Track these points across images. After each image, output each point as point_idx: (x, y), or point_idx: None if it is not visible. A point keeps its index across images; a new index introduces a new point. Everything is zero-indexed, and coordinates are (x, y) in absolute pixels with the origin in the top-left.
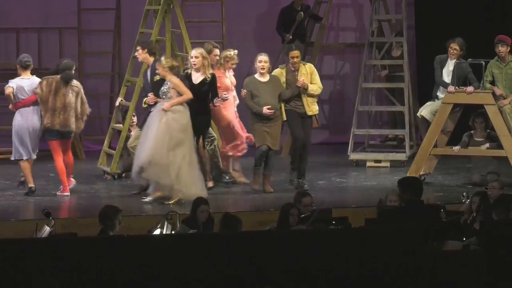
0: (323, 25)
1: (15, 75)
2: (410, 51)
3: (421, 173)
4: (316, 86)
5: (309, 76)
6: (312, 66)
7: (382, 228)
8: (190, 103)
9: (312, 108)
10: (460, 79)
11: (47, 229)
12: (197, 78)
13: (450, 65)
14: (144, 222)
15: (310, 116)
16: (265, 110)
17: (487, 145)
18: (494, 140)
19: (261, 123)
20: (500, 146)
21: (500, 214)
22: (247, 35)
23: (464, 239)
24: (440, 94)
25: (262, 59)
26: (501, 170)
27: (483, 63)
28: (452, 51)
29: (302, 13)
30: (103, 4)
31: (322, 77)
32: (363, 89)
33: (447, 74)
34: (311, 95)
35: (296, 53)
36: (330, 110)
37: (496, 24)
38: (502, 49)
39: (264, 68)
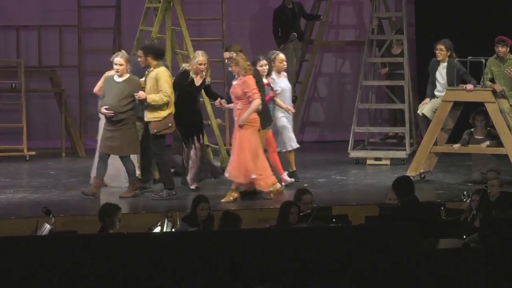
0: (323, 22)
1: (15, 72)
2: (410, 48)
3: (421, 171)
4: (159, 96)
5: (155, 81)
6: (162, 71)
7: (382, 226)
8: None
9: (147, 114)
10: (457, 79)
11: (47, 227)
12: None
13: (442, 67)
14: (144, 220)
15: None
16: (103, 109)
17: (487, 143)
18: (494, 138)
19: (106, 125)
20: (500, 144)
21: (500, 212)
22: (246, 33)
23: (464, 236)
24: (437, 93)
25: (117, 62)
26: (501, 168)
27: (483, 61)
28: (437, 52)
29: (295, 33)
30: (103, 2)
31: (322, 75)
32: (363, 87)
33: (441, 76)
34: (155, 105)
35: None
36: (330, 108)
37: (496, 22)
38: (502, 49)
39: (118, 71)
